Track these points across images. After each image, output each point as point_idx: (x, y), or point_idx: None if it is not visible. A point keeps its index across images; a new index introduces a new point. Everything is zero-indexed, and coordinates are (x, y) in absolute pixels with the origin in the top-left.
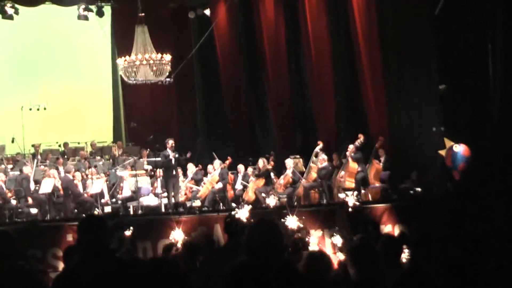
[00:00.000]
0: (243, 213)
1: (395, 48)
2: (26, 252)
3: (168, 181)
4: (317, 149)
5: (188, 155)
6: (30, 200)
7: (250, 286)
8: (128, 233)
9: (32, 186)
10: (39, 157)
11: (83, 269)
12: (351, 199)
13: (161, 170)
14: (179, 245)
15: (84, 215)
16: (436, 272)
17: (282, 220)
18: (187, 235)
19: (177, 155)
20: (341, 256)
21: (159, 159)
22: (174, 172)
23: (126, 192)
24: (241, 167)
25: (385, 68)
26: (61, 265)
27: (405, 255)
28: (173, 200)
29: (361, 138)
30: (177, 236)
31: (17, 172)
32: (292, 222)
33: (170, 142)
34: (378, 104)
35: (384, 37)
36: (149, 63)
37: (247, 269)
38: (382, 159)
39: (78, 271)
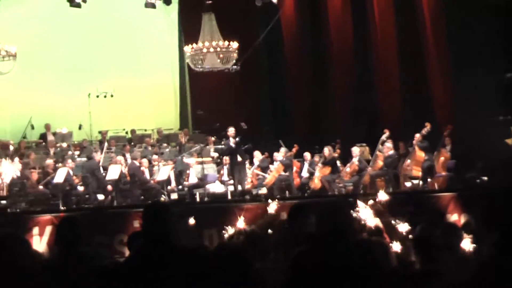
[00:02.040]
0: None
1: (461, 37)
2: (92, 238)
3: (233, 168)
4: (384, 137)
5: (242, 124)
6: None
7: (313, 273)
8: (192, 221)
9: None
10: (106, 143)
11: (144, 256)
12: (383, 195)
13: (227, 158)
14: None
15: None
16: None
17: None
18: (253, 223)
19: (237, 141)
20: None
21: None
22: (239, 159)
23: (193, 179)
24: (307, 155)
25: (451, 57)
26: (127, 252)
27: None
28: (239, 188)
29: (428, 126)
30: (240, 224)
31: (84, 159)
32: (366, 214)
33: (231, 129)
34: (445, 93)
35: (451, 27)
36: (216, 50)
37: (309, 256)
38: (448, 147)
39: (139, 258)
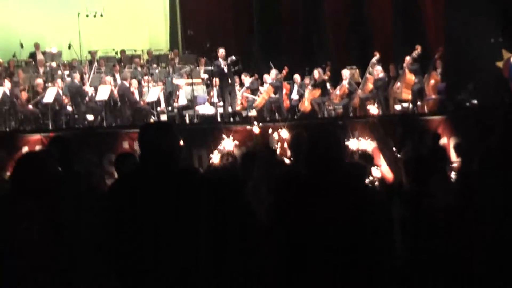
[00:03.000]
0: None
1: None
2: (83, 157)
3: (223, 90)
4: (374, 60)
5: (233, 57)
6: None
7: (297, 192)
8: (181, 142)
9: (90, 92)
10: (95, 64)
11: (142, 175)
12: (374, 109)
13: (217, 79)
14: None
15: (141, 122)
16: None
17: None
18: (243, 145)
19: (228, 62)
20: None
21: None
22: (229, 81)
23: (182, 100)
24: (297, 77)
25: None
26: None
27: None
28: (229, 109)
29: (418, 49)
30: (227, 145)
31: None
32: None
33: (221, 51)
34: (435, 14)
35: None
36: None
37: (294, 176)
38: (439, 70)
39: (138, 177)
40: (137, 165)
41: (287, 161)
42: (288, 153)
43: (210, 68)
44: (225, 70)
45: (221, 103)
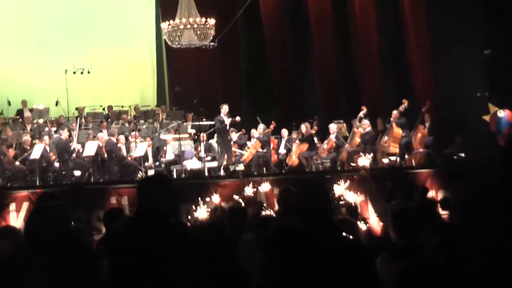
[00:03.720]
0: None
1: (441, 13)
2: (73, 215)
3: (223, 146)
4: (361, 114)
5: (238, 119)
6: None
7: (291, 248)
8: None
9: (77, 148)
10: (83, 120)
11: (136, 230)
12: (364, 160)
13: (205, 134)
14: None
15: (129, 177)
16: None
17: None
18: (230, 199)
19: (231, 119)
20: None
21: (203, 123)
22: (228, 137)
23: (170, 155)
24: (284, 132)
25: (430, 33)
26: (103, 228)
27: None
28: (223, 164)
29: (405, 103)
30: (215, 200)
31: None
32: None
33: (225, 107)
34: (423, 69)
35: (430, 2)
36: (193, 27)
37: (287, 231)
38: (427, 124)
39: (132, 232)
40: (128, 219)
41: (272, 214)
42: (275, 207)
43: (197, 123)
44: (228, 126)
45: (208, 158)
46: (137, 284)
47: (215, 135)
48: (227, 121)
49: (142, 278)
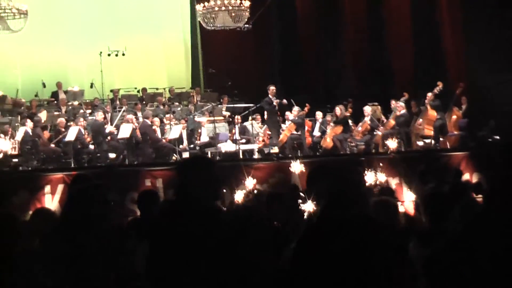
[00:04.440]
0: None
1: None
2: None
3: (273, 127)
4: (402, 100)
5: (285, 101)
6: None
7: (323, 235)
8: None
9: (112, 130)
10: (117, 102)
11: (175, 214)
12: (392, 143)
13: (239, 117)
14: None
15: (163, 160)
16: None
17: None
18: (265, 182)
19: (279, 100)
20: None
21: (238, 105)
22: (277, 118)
23: (204, 138)
24: (319, 114)
25: (463, 15)
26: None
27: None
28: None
29: (440, 85)
30: (249, 183)
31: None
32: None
33: (272, 88)
34: (457, 51)
35: None
36: (228, 9)
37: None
38: (464, 106)
39: (171, 216)
40: (166, 203)
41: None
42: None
43: (231, 105)
44: (276, 108)
45: (243, 140)
46: (176, 267)
47: (265, 116)
48: (275, 101)
49: (180, 262)
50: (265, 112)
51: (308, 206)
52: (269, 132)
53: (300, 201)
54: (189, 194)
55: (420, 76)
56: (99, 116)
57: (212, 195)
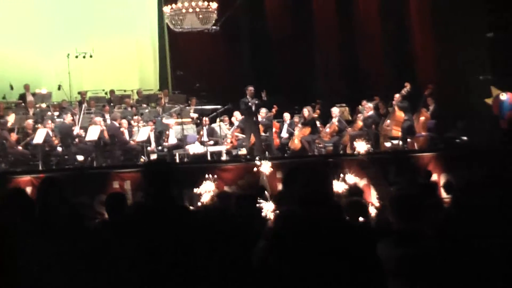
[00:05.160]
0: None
1: None
2: (72, 199)
3: (248, 128)
4: (373, 104)
5: (263, 94)
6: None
7: (295, 234)
8: None
9: (79, 132)
10: (85, 104)
11: (149, 214)
12: (361, 145)
13: (207, 118)
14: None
15: (131, 162)
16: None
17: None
18: (233, 183)
19: (256, 102)
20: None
21: (206, 107)
22: (254, 119)
23: (172, 140)
24: (287, 116)
25: (433, 16)
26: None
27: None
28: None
29: (407, 86)
30: (216, 185)
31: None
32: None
33: (250, 88)
34: (426, 52)
35: None
36: (196, 11)
37: (291, 217)
38: (431, 107)
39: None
40: (137, 203)
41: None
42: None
43: (199, 107)
44: (253, 108)
45: (210, 142)
46: (157, 267)
47: (233, 118)
48: (251, 101)
49: (160, 262)
50: (240, 113)
51: (269, 206)
52: (238, 134)
53: (262, 201)
54: (159, 196)
55: (389, 78)
56: (67, 118)
57: (178, 196)
